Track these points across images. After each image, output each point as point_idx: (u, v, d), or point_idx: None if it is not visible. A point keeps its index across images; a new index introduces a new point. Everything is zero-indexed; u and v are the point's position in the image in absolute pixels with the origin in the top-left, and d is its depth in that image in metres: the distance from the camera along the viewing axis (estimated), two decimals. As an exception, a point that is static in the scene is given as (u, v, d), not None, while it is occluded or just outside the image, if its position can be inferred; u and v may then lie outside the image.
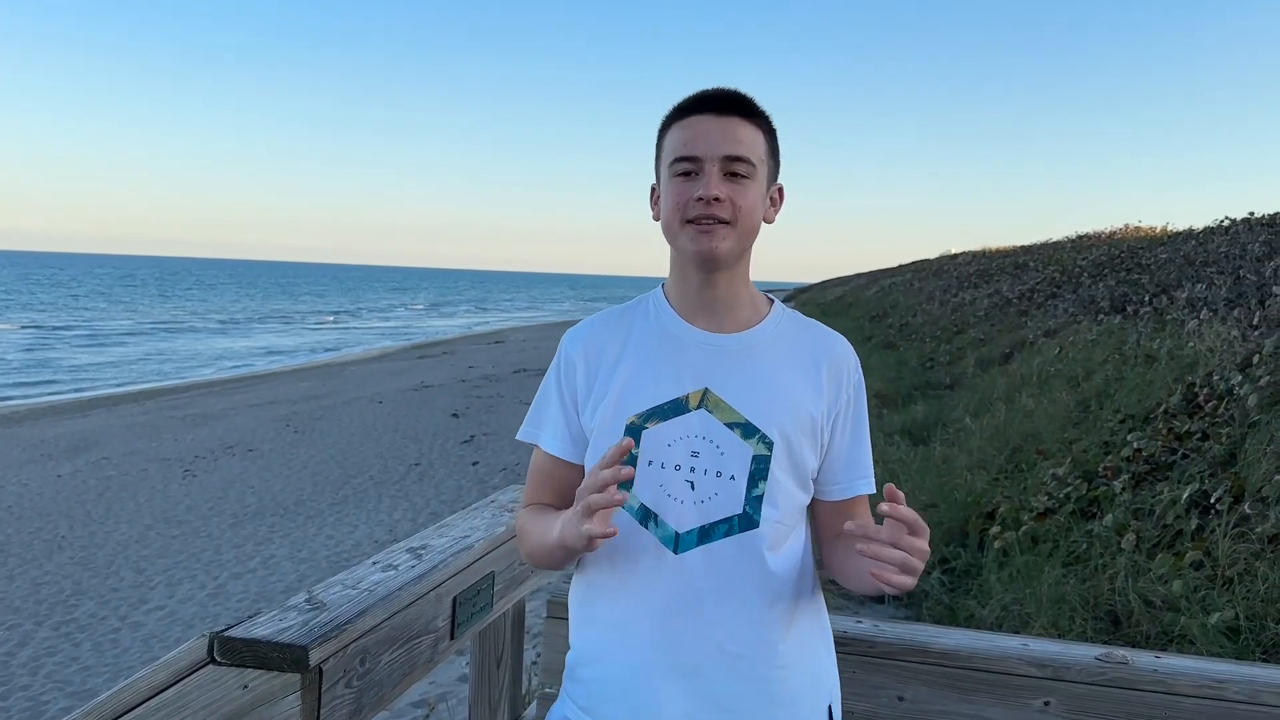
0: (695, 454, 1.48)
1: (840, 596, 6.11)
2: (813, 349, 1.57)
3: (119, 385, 25.27)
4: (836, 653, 1.88)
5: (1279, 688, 1.71)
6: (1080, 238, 28.26)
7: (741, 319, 1.56)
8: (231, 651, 1.36)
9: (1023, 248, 31.72)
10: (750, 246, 1.54)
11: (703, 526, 1.48)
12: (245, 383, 24.97)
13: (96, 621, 6.89)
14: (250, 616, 1.44)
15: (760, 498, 1.48)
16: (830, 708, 1.58)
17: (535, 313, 76.28)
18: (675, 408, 1.50)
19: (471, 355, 29.76)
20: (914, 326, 22.16)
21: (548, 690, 1.97)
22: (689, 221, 1.47)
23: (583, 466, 1.57)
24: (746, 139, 1.49)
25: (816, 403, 1.52)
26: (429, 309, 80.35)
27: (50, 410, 19.90)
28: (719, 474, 1.48)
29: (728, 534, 1.48)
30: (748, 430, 1.48)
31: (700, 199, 1.45)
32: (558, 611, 1.96)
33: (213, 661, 1.36)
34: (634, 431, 1.50)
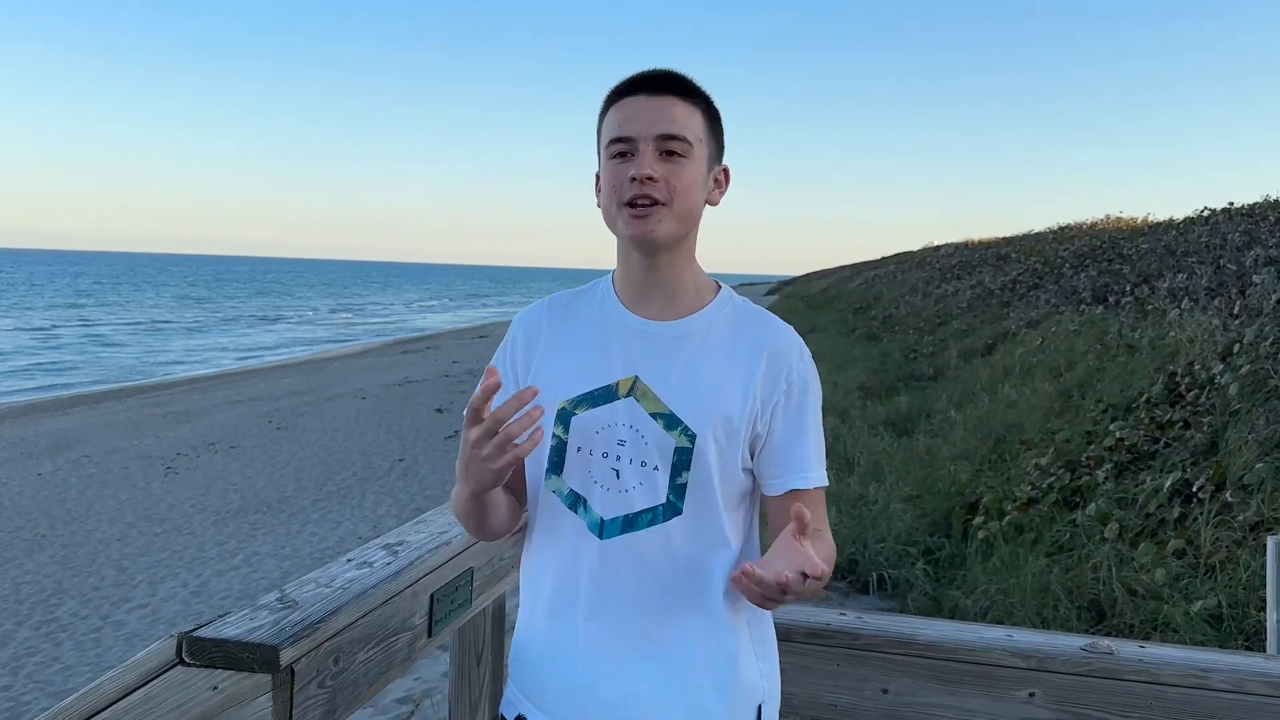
0: (621, 442, 1.47)
1: (824, 589, 6.12)
2: (752, 339, 1.52)
3: (98, 383, 25.08)
4: (820, 646, 1.86)
5: (1263, 676, 1.70)
6: (1062, 229, 28.40)
7: (682, 306, 1.53)
8: (201, 652, 1.33)
9: (1005, 239, 31.87)
10: (693, 229, 1.51)
11: (627, 515, 1.47)
12: (227, 379, 24.84)
13: (78, 621, 6.83)
14: (220, 616, 1.41)
15: (684, 487, 1.46)
16: (761, 707, 1.54)
17: (520, 307, 76.20)
18: (605, 394, 1.49)
19: (455, 350, 29.69)
20: (897, 318, 22.22)
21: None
22: (625, 204, 1.44)
23: None
24: (681, 117, 1.46)
25: (747, 395, 1.48)
26: (414, 305, 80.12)
27: (30, 408, 19.75)
28: (644, 464, 1.47)
29: (651, 523, 1.47)
30: (670, 421, 1.46)
31: (634, 179, 1.43)
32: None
33: (181, 662, 1.33)
34: (564, 416, 1.49)
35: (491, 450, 1.31)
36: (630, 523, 1.47)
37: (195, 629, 1.36)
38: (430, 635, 1.77)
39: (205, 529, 9.08)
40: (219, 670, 1.33)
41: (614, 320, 1.54)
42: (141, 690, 1.27)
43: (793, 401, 1.52)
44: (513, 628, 1.68)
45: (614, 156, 1.46)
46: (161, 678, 1.30)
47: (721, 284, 1.60)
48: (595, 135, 1.54)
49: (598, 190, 1.55)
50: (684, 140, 1.45)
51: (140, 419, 16.55)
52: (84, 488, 10.92)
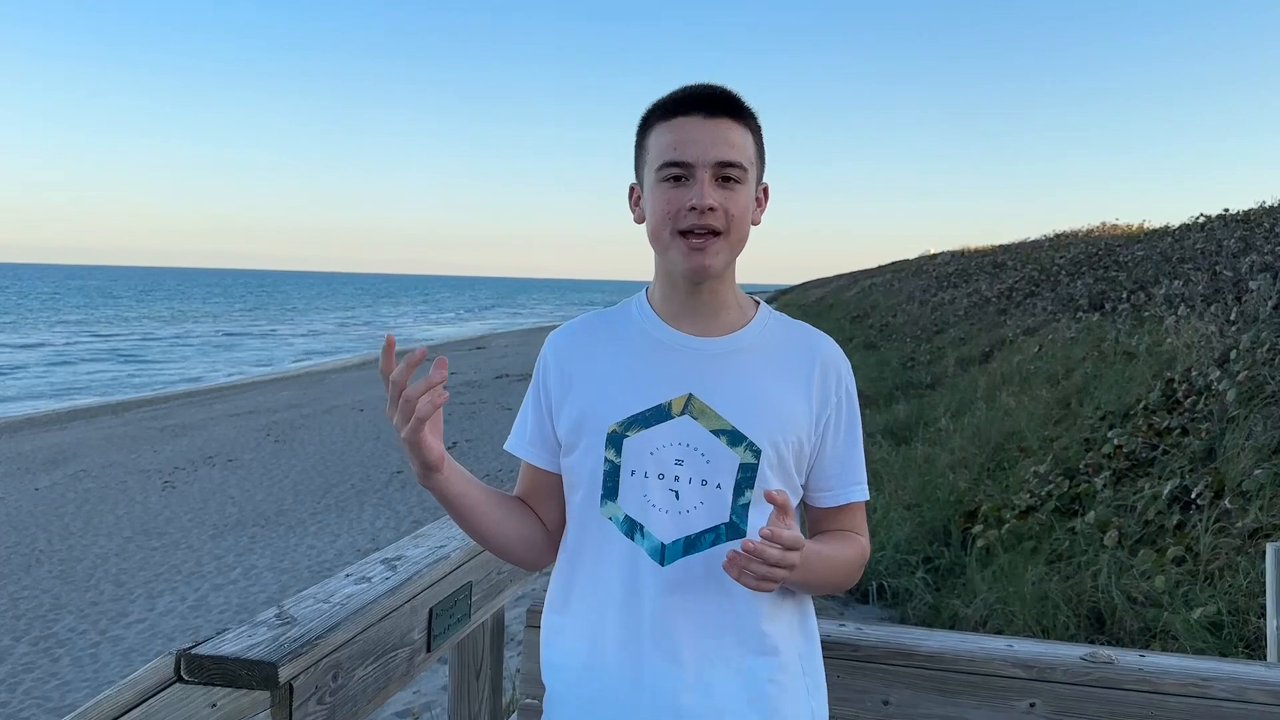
0: (680, 462, 1.43)
1: (824, 599, 6.11)
2: (802, 351, 1.51)
3: (99, 396, 25.03)
4: (821, 657, 1.85)
5: (1264, 685, 1.70)
6: (1058, 236, 28.42)
7: (727, 322, 1.50)
8: (199, 669, 1.32)
9: (1001, 247, 31.89)
10: (740, 253, 1.49)
11: (688, 537, 1.43)
12: (224, 393, 24.81)
13: (76, 636, 6.81)
14: (218, 633, 1.40)
15: (747, 506, 1.43)
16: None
17: (518, 319, 76.14)
18: (658, 414, 1.44)
19: (453, 362, 29.16)
20: (894, 326, 22.24)
21: (528, 700, 1.94)
22: (681, 233, 1.41)
23: (557, 474, 1.53)
24: (738, 142, 1.42)
25: (806, 407, 1.47)
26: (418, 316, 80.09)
27: (27, 423, 19.71)
28: (704, 482, 1.43)
29: (714, 544, 1.42)
30: (734, 437, 1.43)
31: (694, 208, 1.39)
32: (538, 621, 1.93)
33: (180, 680, 1.32)
34: (615, 440, 1.45)
35: (398, 420, 1.27)
36: (692, 545, 1.43)
37: (193, 646, 1.36)
38: (429, 650, 1.77)
39: (203, 543, 9.06)
40: (217, 688, 1.32)
41: (658, 338, 1.50)
42: (140, 708, 1.27)
43: (843, 412, 1.51)
44: (511, 641, 1.66)
45: (667, 180, 1.41)
46: (159, 695, 1.30)
47: (760, 300, 1.58)
48: (636, 147, 1.50)
49: (633, 202, 1.52)
50: (741, 166, 1.42)
51: (137, 433, 16.52)
52: (81, 502, 10.89)
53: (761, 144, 1.50)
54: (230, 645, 1.36)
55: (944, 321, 19.13)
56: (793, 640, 1.50)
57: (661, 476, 1.43)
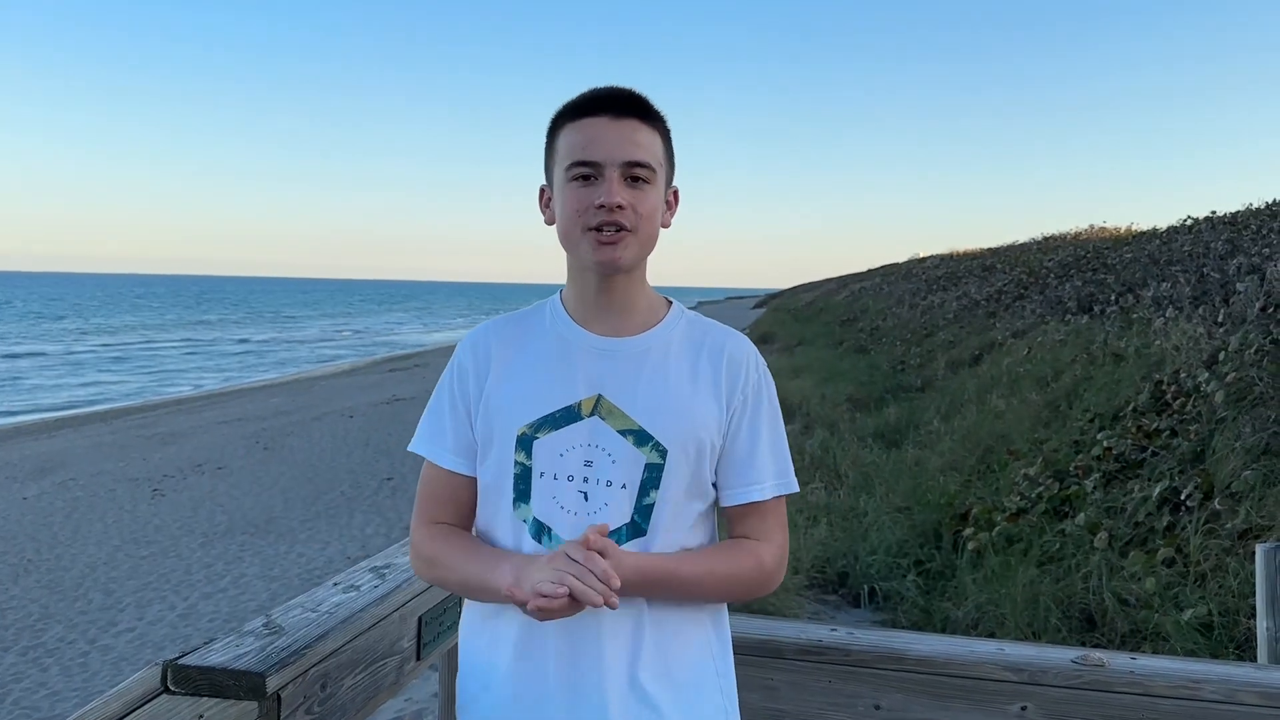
0: (589, 463, 1.44)
1: (816, 603, 6.10)
2: (711, 350, 1.51)
3: (88, 405, 24.91)
4: (812, 663, 1.85)
5: (1255, 686, 1.70)
6: (1046, 239, 28.55)
7: (638, 322, 1.52)
8: (186, 680, 1.31)
9: (990, 250, 32.01)
10: (651, 252, 1.50)
11: None
12: (213, 400, 24.73)
13: (65, 645, 6.76)
14: (205, 643, 1.39)
15: (650, 506, 1.44)
16: None
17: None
18: (567, 415, 1.45)
19: (443, 367, 29.55)
20: (884, 330, 22.28)
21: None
22: (590, 229, 1.42)
23: (475, 479, 1.53)
24: (645, 143, 1.45)
25: (716, 406, 1.48)
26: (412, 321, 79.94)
27: (14, 431, 19.60)
28: (609, 483, 1.43)
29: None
30: (641, 437, 1.44)
31: (602, 205, 1.41)
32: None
33: (167, 691, 1.31)
34: (525, 442, 1.45)
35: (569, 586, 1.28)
36: None
37: (180, 656, 1.35)
38: (419, 658, 1.76)
39: (193, 551, 9.01)
40: (204, 698, 1.32)
41: (570, 339, 1.51)
42: (126, 720, 1.26)
43: (748, 411, 1.50)
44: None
45: (576, 179, 1.43)
46: (146, 707, 1.29)
47: (672, 300, 1.59)
48: (545, 149, 1.52)
49: (543, 204, 1.53)
50: (649, 167, 1.44)
51: (126, 441, 16.44)
52: (70, 511, 10.83)
53: (670, 146, 1.52)
54: (217, 655, 1.35)
55: (933, 325, 19.17)
56: (705, 641, 1.50)
57: (571, 478, 1.44)
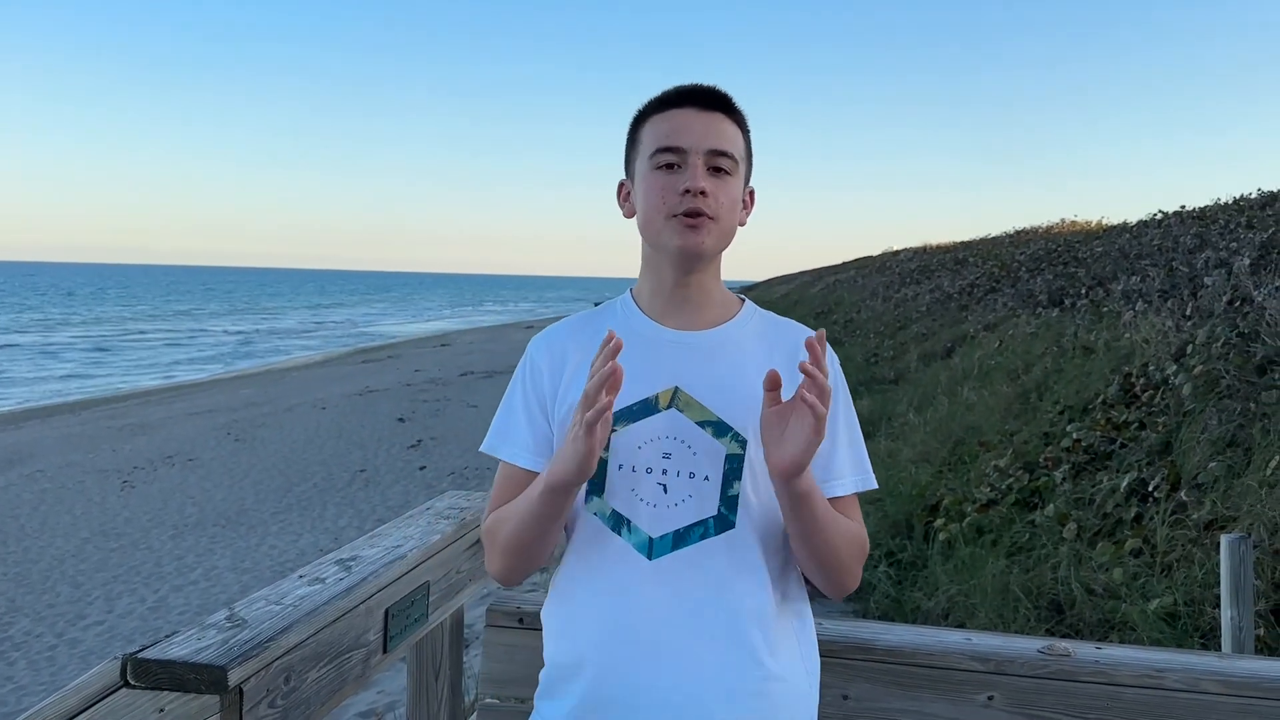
0: (667, 455, 1.43)
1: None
2: (786, 345, 1.52)
3: (58, 396, 24.62)
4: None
5: (1216, 675, 1.72)
6: (1018, 233, 28.72)
7: (712, 317, 1.52)
8: (146, 674, 1.30)
9: (962, 243, 32.19)
10: (728, 246, 1.51)
11: (677, 530, 1.42)
12: (184, 391, 24.51)
13: (32, 639, 6.69)
14: (166, 636, 1.38)
15: (736, 498, 1.43)
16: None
17: (482, 316, 75.77)
18: (644, 408, 1.44)
19: (417, 359, 29.47)
20: (858, 322, 22.37)
21: (489, 701, 1.92)
22: (674, 216, 1.43)
23: None
24: (730, 134, 1.46)
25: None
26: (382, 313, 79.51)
27: (-19, 423, 19.36)
28: (692, 475, 1.43)
29: (703, 537, 1.42)
30: (720, 428, 1.43)
31: (687, 191, 1.41)
32: (498, 620, 1.91)
33: (126, 685, 1.29)
34: None
35: (599, 405, 1.26)
36: (681, 538, 1.42)
37: (140, 650, 1.33)
38: (385, 651, 1.75)
39: (163, 543, 8.94)
40: (165, 692, 1.30)
41: (644, 333, 1.50)
42: (84, 715, 1.25)
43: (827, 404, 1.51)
44: (475, 640, 1.64)
45: (661, 167, 1.44)
46: (105, 701, 1.27)
47: (745, 297, 1.60)
48: (627, 143, 1.53)
49: (622, 198, 1.53)
50: (732, 158, 1.45)
51: (95, 432, 16.28)
52: (37, 503, 10.72)
53: (750, 145, 1.53)
54: (178, 649, 1.34)
55: (907, 317, 19.26)
56: (791, 632, 1.49)
57: (649, 470, 1.43)
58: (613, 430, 1.43)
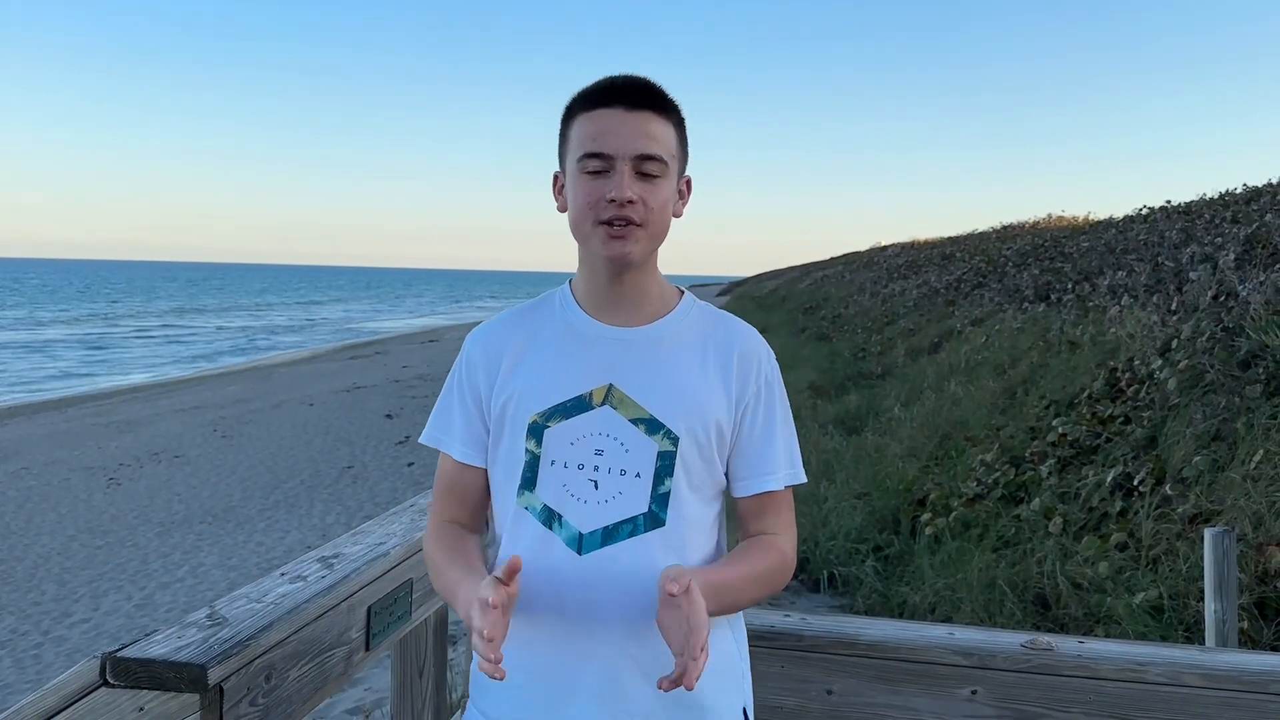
0: (599, 452, 1.44)
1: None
2: (722, 341, 1.52)
3: (37, 393, 24.48)
4: (766, 648, 1.85)
5: (1198, 668, 1.73)
6: (1005, 228, 28.82)
7: (649, 312, 1.52)
8: (125, 673, 1.29)
9: (949, 239, 32.29)
10: (661, 243, 1.50)
11: (606, 527, 1.43)
12: (170, 388, 24.40)
13: (17, 637, 6.66)
14: (146, 635, 1.37)
15: (666, 495, 1.43)
16: (745, 710, 1.54)
17: (472, 312, 75.65)
18: (578, 405, 1.45)
19: (405, 355, 29.41)
20: (846, 318, 22.41)
21: (473, 697, 1.92)
22: (601, 223, 1.42)
23: (485, 468, 1.53)
24: (659, 135, 1.44)
25: (725, 395, 1.48)
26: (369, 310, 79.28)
27: (-35, 420, 19.24)
28: (623, 472, 1.43)
29: (632, 534, 1.43)
30: (652, 426, 1.44)
31: (612, 200, 1.40)
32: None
33: (105, 684, 1.29)
34: (536, 430, 1.45)
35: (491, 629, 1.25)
36: (610, 534, 1.43)
37: (119, 649, 1.33)
38: (368, 649, 1.74)
39: (149, 541, 8.90)
40: (144, 691, 1.29)
41: (581, 329, 1.51)
42: (63, 714, 1.24)
43: (761, 402, 1.51)
44: (461, 638, 1.64)
45: (588, 173, 1.42)
46: (84, 700, 1.26)
47: (684, 290, 1.59)
48: (559, 136, 1.51)
49: (557, 190, 1.52)
50: (661, 160, 1.43)
51: (81, 429, 16.20)
52: (23, 500, 10.66)
53: (684, 137, 1.51)
54: (158, 648, 1.33)
55: (894, 313, 19.30)
56: (718, 629, 1.48)
57: (581, 467, 1.44)
58: (546, 426, 1.45)
